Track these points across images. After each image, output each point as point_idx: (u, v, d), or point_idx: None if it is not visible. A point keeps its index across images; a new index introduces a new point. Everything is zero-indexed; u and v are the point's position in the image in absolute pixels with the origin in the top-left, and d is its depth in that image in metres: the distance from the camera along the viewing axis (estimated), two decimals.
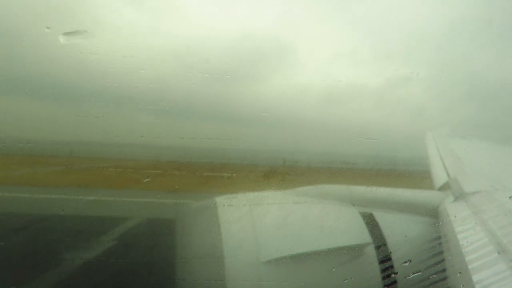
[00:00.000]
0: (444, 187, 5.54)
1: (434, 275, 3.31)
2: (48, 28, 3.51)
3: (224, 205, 4.16)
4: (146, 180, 4.18)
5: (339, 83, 4.64)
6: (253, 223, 4.05)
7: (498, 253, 2.91)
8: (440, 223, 4.19)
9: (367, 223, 4.24)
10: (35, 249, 4.32)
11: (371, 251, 3.96)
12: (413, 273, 3.50)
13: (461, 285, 2.65)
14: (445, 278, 3.07)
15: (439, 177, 5.94)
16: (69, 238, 4.40)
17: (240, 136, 4.41)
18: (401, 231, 4.25)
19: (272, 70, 4.56)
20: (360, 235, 4.08)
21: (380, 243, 4.03)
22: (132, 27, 3.90)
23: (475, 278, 2.61)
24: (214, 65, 3.99)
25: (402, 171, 5.22)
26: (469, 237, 3.40)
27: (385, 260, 3.89)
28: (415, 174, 5.43)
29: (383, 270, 3.83)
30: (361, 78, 4.46)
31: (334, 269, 3.80)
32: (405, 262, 3.70)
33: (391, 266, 3.81)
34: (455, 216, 4.08)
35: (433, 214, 4.51)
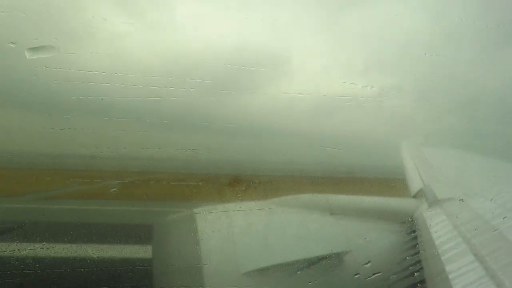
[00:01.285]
0: (419, 195, 5.64)
1: (412, 279, 3.32)
2: (13, 43, 3.42)
3: (204, 216, 4.09)
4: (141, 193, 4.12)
5: (330, 93, 4.65)
6: (233, 234, 3.99)
7: (474, 255, 2.95)
8: (416, 229, 4.24)
9: (346, 231, 4.24)
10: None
11: (350, 259, 3.94)
12: (392, 278, 3.50)
13: (439, 285, 2.66)
14: (423, 281, 3.08)
15: (414, 185, 6.05)
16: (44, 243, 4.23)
17: (228, 147, 4.36)
18: (379, 238, 4.27)
19: (265, 81, 4.52)
20: (339, 243, 4.07)
21: (358, 250, 4.02)
22: (121, 40, 3.83)
23: (452, 279, 2.63)
24: (205, 77, 3.96)
25: (383, 179, 5.28)
26: (445, 241, 3.45)
27: (365, 266, 3.87)
28: (394, 182, 5.50)
29: (362, 277, 3.81)
30: (351, 89, 4.48)
31: (314, 278, 3.76)
32: (383, 267, 3.70)
33: (370, 272, 3.80)
34: (430, 222, 4.15)
35: (409, 220, 4.56)
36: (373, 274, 3.63)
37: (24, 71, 3.37)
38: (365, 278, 3.72)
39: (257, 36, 4.50)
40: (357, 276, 3.67)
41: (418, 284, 3.15)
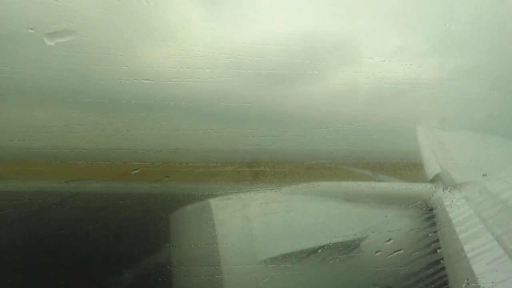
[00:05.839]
0: (436, 179, 5.57)
1: (432, 264, 3.32)
2: (31, 29, 3.43)
3: (220, 206, 4.10)
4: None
5: (397, 78, 4.46)
6: (249, 223, 4.01)
7: (495, 239, 2.93)
8: (434, 214, 4.21)
9: (362, 218, 4.23)
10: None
11: (367, 245, 3.95)
12: (410, 264, 3.51)
13: (460, 271, 2.66)
14: (443, 267, 3.08)
15: (431, 169, 5.98)
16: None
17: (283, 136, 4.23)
18: (396, 224, 4.25)
19: (333, 68, 4.39)
20: (356, 230, 4.07)
21: (375, 237, 4.02)
22: (137, 20, 3.77)
23: (473, 264, 2.62)
24: (271, 67, 3.86)
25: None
26: (464, 225, 3.43)
27: (381, 253, 3.88)
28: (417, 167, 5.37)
29: (379, 263, 3.82)
30: (418, 72, 4.34)
31: (331, 264, 3.78)
32: (399, 251, 3.70)
33: (387, 258, 3.81)
34: (448, 206, 4.12)
35: (427, 205, 4.53)
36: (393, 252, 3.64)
37: (44, 56, 3.39)
38: (380, 267, 3.73)
39: (324, 23, 4.36)
40: (378, 253, 3.65)
41: (438, 269, 3.16)
